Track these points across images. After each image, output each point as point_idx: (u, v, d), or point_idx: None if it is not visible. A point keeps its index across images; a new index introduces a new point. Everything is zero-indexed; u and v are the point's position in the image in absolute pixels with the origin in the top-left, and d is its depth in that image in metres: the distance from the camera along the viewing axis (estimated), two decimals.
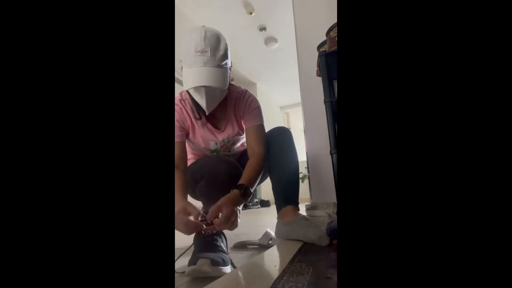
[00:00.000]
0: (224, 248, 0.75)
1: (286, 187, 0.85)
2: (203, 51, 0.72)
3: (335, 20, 0.94)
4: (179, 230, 0.66)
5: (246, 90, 0.94)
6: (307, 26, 1.44)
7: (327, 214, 0.89)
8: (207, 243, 0.72)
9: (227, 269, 0.64)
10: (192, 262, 0.63)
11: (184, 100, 0.88)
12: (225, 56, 0.76)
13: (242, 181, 0.77)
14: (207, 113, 0.82)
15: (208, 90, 0.75)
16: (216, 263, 0.62)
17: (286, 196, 0.85)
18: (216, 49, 0.74)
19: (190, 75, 0.73)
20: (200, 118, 0.87)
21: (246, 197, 0.75)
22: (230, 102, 0.90)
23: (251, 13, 2.77)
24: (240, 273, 0.52)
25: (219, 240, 0.76)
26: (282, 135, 0.91)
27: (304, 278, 0.41)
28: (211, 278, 0.56)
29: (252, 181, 0.79)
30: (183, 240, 0.84)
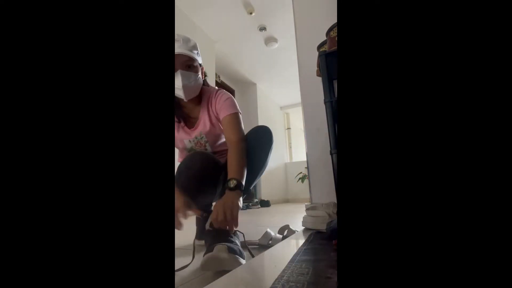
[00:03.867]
0: (237, 242, 0.74)
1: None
2: (176, 40, 0.85)
3: (335, 20, 0.94)
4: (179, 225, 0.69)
5: (219, 89, 0.99)
6: (307, 26, 1.44)
7: (327, 214, 0.89)
8: (221, 235, 0.71)
9: (243, 261, 0.63)
10: (208, 250, 0.62)
11: None
12: (195, 47, 0.89)
13: (229, 175, 0.78)
14: (185, 98, 0.88)
15: (183, 73, 0.84)
16: (233, 251, 0.60)
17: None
18: (187, 41, 0.87)
19: None
20: (179, 121, 0.95)
21: (235, 188, 0.74)
22: (204, 101, 0.96)
23: (251, 13, 2.77)
24: (240, 273, 0.52)
25: (234, 237, 0.75)
26: (262, 138, 0.92)
27: (304, 278, 0.41)
28: (211, 278, 0.56)
29: (236, 172, 0.78)
30: (183, 240, 0.84)
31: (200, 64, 0.93)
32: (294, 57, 1.47)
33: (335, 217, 0.85)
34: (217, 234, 0.72)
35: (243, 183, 0.77)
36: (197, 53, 0.90)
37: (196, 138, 0.97)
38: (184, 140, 0.97)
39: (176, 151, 1.07)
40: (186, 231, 1.24)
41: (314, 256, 0.55)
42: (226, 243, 0.64)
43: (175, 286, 0.58)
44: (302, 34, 1.45)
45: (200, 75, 0.91)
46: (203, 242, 1.05)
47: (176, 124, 0.96)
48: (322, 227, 0.83)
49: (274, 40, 3.26)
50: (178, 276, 0.64)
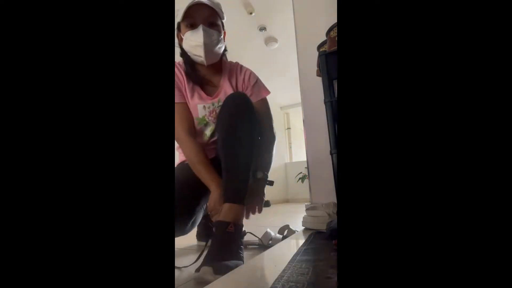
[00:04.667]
0: (240, 251, 0.70)
1: (231, 178, 0.72)
2: None
3: (335, 20, 0.94)
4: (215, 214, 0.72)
5: (241, 65, 0.95)
6: (307, 26, 1.44)
7: (327, 214, 0.89)
8: (223, 246, 0.67)
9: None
10: (198, 268, 0.62)
11: (180, 64, 0.87)
12: (219, 6, 0.79)
13: (260, 168, 0.84)
14: (205, 60, 0.78)
15: (205, 29, 0.75)
16: (219, 272, 0.59)
17: (231, 189, 0.71)
18: None
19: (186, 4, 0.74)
20: (195, 85, 0.85)
21: (267, 183, 0.84)
22: (225, 71, 0.89)
23: (251, 13, 2.77)
24: (240, 273, 0.52)
25: (239, 243, 0.71)
26: (235, 106, 0.73)
27: (304, 278, 0.41)
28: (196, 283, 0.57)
29: (268, 167, 0.87)
30: (183, 240, 0.84)
31: (222, 26, 0.81)
32: (294, 57, 1.47)
33: (335, 217, 0.85)
34: (220, 241, 0.68)
35: (269, 181, 0.85)
36: (221, 9, 0.79)
37: (213, 104, 0.86)
38: (198, 106, 0.85)
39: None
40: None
41: (314, 256, 0.55)
42: (215, 264, 0.61)
43: (175, 286, 0.58)
44: (302, 34, 1.45)
45: (222, 37, 0.81)
46: (203, 242, 1.05)
47: (189, 88, 0.83)
48: (322, 227, 0.83)
49: (274, 40, 3.25)
50: (178, 276, 0.64)
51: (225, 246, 0.66)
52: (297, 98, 1.42)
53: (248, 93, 0.88)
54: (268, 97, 0.97)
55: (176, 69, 0.86)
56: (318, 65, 0.98)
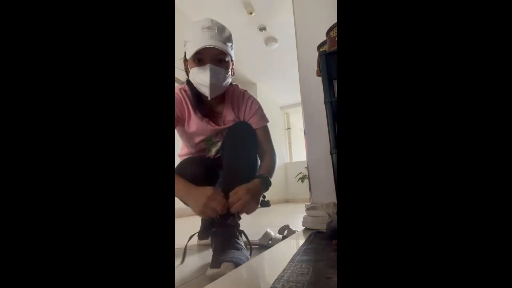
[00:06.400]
0: (243, 245, 0.74)
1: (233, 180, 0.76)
2: (210, 28, 0.74)
3: (335, 20, 0.94)
4: (205, 214, 0.69)
5: (245, 91, 0.94)
6: (307, 26, 1.44)
7: (327, 214, 0.89)
8: (227, 240, 0.71)
9: None
10: (215, 265, 0.62)
11: (185, 91, 0.86)
12: (229, 39, 0.78)
13: (260, 172, 0.81)
14: (209, 97, 0.79)
15: (212, 69, 0.75)
16: (239, 266, 0.60)
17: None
18: (222, 30, 0.76)
19: (195, 44, 0.73)
20: (202, 113, 0.86)
21: (266, 185, 0.78)
22: (228, 98, 0.90)
23: (251, 13, 2.77)
24: (240, 273, 0.52)
25: (240, 238, 0.75)
26: (239, 132, 0.83)
27: (304, 278, 0.41)
28: (211, 278, 0.57)
29: (269, 172, 0.83)
30: (183, 240, 0.84)
31: (231, 59, 0.82)
32: (294, 57, 1.47)
33: (335, 217, 0.85)
34: (225, 237, 0.71)
35: (270, 181, 0.81)
36: (231, 46, 0.79)
37: (219, 133, 0.91)
38: (207, 131, 0.89)
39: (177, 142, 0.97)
40: (186, 232, 1.23)
41: (314, 256, 0.55)
42: (232, 258, 0.62)
43: (175, 286, 0.58)
44: (302, 34, 1.45)
45: (230, 72, 0.82)
46: (204, 241, 1.05)
47: (198, 114, 0.86)
48: (322, 227, 0.83)
49: (274, 40, 3.26)
50: (178, 276, 0.64)
51: (230, 239, 0.70)
52: (297, 98, 1.42)
53: (248, 118, 0.91)
54: (268, 97, 0.97)
55: (180, 95, 0.86)
56: (318, 65, 0.98)
